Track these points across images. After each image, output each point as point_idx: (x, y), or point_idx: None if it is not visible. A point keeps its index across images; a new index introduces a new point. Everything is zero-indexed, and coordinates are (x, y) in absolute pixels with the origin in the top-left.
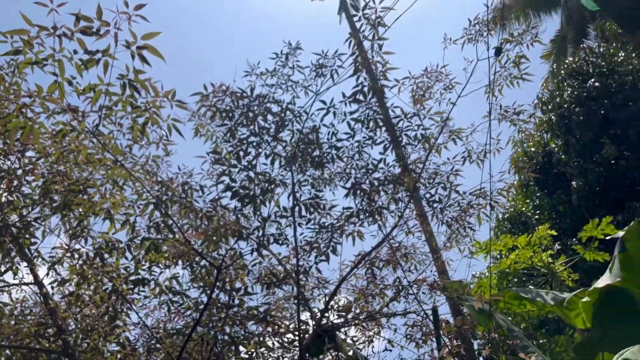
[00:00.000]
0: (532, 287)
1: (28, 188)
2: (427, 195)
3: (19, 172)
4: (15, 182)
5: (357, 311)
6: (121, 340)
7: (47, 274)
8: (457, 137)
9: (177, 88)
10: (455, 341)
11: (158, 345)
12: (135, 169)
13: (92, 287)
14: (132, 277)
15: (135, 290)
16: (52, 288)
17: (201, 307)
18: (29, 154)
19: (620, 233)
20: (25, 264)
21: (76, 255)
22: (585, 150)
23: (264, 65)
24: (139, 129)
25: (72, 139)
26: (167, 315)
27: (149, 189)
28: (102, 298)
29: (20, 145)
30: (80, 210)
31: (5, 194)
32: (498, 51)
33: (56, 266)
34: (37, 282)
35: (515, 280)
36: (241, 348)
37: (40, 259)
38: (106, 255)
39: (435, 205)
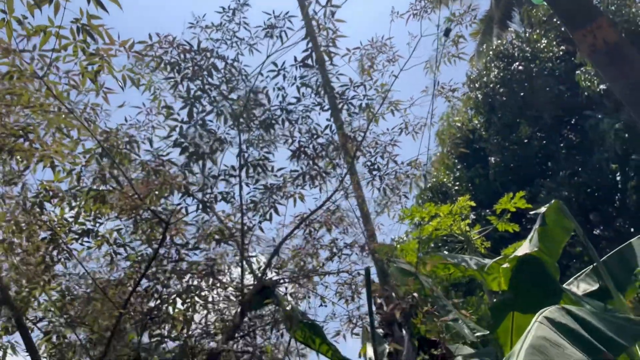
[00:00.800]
0: (446, 252)
1: None
2: (368, 163)
3: None
4: None
5: (295, 269)
6: (62, 289)
7: None
8: (396, 108)
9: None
10: (379, 299)
11: (98, 295)
12: (70, 116)
13: (25, 235)
14: (76, 228)
15: (80, 240)
16: None
17: (141, 259)
18: None
19: (543, 209)
20: None
21: (7, 201)
22: (505, 129)
23: (210, 19)
24: (90, 76)
25: (15, 82)
26: (109, 267)
27: (98, 139)
28: (38, 247)
29: None
30: (19, 157)
31: None
32: (447, 32)
33: None
34: None
35: (432, 245)
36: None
37: None
38: (47, 204)
39: (374, 172)
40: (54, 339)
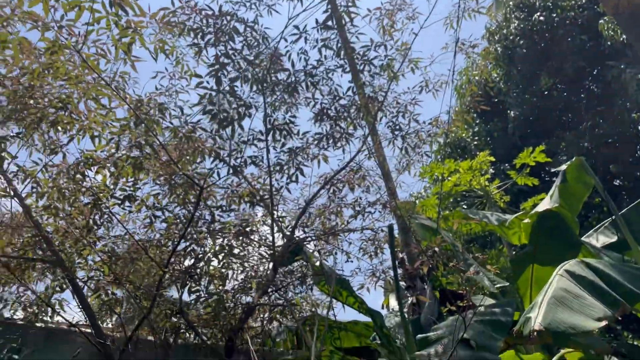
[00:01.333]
0: (465, 207)
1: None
2: (390, 123)
3: None
4: None
5: (321, 227)
6: (107, 250)
7: (24, 187)
8: (416, 66)
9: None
10: (401, 254)
11: (140, 255)
12: (105, 86)
13: (69, 201)
14: (118, 193)
15: (122, 205)
16: (31, 201)
17: (178, 221)
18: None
19: (563, 166)
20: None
21: (50, 170)
22: (524, 81)
23: None
24: (124, 48)
25: (55, 56)
26: (148, 229)
27: (131, 107)
28: (82, 211)
29: None
30: (59, 127)
31: None
32: None
33: (33, 181)
34: (17, 195)
35: (451, 201)
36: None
37: (20, 174)
38: (88, 172)
39: (396, 132)
40: (103, 295)
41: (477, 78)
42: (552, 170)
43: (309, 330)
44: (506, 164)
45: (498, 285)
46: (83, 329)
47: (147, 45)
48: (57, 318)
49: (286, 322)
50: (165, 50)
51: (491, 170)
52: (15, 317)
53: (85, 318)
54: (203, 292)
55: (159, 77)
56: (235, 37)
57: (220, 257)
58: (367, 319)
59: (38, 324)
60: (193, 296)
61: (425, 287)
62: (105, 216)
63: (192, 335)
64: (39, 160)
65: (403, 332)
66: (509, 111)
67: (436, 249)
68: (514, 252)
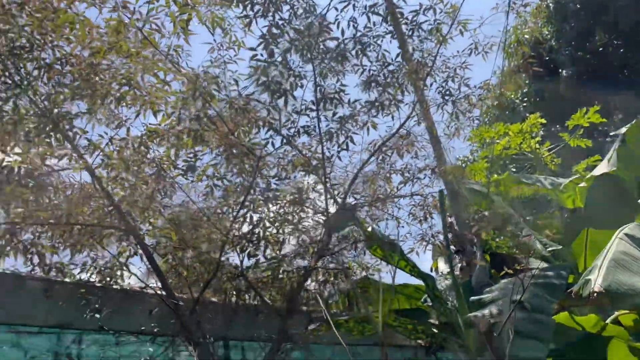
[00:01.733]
0: (514, 170)
1: (68, 80)
2: (439, 88)
3: (58, 64)
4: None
5: (371, 193)
6: (172, 217)
7: (93, 160)
8: (464, 28)
9: None
10: (450, 219)
11: (204, 222)
12: (164, 61)
13: (134, 172)
14: (181, 164)
15: (185, 176)
16: (100, 172)
17: (236, 190)
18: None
19: (623, 129)
20: (72, 151)
21: (116, 143)
22: (578, 38)
23: None
24: (182, 24)
25: (120, 35)
26: (209, 197)
27: (190, 81)
28: (146, 182)
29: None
30: (124, 103)
31: (46, 85)
32: None
33: (102, 154)
34: (88, 167)
35: (500, 164)
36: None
37: (90, 148)
38: (150, 144)
39: (446, 97)
40: (171, 260)
41: (526, 37)
42: (610, 135)
43: (362, 293)
44: (557, 126)
45: (550, 249)
46: (156, 291)
47: (203, 21)
48: (130, 281)
49: (339, 285)
50: (219, 24)
51: (541, 132)
52: (92, 280)
53: (156, 281)
54: (261, 256)
55: (209, 50)
56: (283, 6)
57: (276, 223)
58: (417, 282)
59: (114, 287)
60: (252, 260)
61: (475, 251)
62: (169, 186)
63: (250, 298)
64: (104, 134)
65: (454, 295)
66: (560, 70)
67: (485, 213)
68: (566, 216)
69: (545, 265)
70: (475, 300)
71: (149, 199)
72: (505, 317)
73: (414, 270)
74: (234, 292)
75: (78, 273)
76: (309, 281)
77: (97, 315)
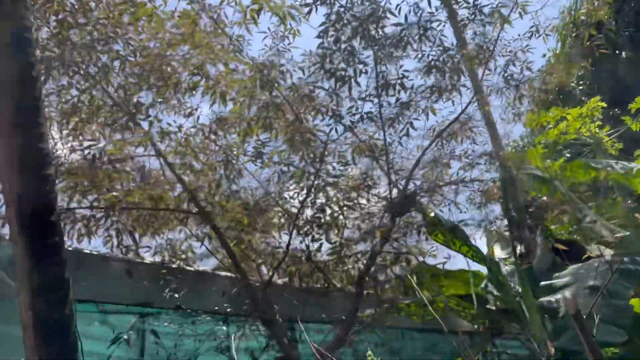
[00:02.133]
0: (568, 156)
1: (140, 71)
2: (502, 72)
3: (132, 56)
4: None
5: (433, 179)
6: (242, 202)
7: (166, 148)
8: (524, 11)
9: None
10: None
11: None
12: (233, 51)
13: (204, 159)
14: (250, 151)
15: (255, 162)
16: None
17: (302, 175)
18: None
19: None
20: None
21: (187, 131)
22: (638, 18)
23: None
24: (253, 14)
25: (192, 26)
26: (277, 183)
27: (258, 71)
28: (215, 168)
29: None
30: (194, 92)
31: (120, 77)
32: None
33: (175, 141)
34: (161, 154)
35: (558, 149)
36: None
37: (162, 136)
38: (220, 132)
39: (509, 82)
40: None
41: (583, 18)
42: None
43: (417, 278)
44: (615, 109)
45: (617, 235)
46: (228, 273)
47: (276, 12)
48: (203, 263)
49: (399, 269)
50: (289, 13)
51: (599, 115)
52: (169, 261)
53: (228, 264)
54: (326, 240)
55: (272, 38)
56: None
57: (341, 208)
58: (475, 268)
59: (189, 268)
60: (317, 244)
61: (535, 237)
62: (237, 172)
63: (313, 280)
64: (173, 122)
65: (517, 281)
66: (617, 52)
67: (544, 198)
68: (635, 201)
69: (610, 252)
70: (544, 286)
71: (218, 184)
72: (581, 302)
73: (477, 256)
74: (302, 275)
75: (153, 255)
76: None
77: (176, 295)
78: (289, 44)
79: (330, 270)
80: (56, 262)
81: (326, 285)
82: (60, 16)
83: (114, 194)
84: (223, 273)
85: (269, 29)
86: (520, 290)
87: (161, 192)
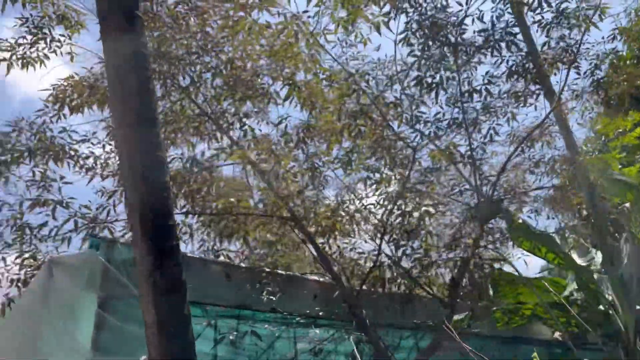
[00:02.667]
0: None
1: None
2: (586, 76)
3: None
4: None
5: (516, 184)
6: (330, 209)
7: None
8: (603, 14)
9: None
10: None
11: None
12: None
13: (286, 165)
14: (338, 157)
15: (343, 169)
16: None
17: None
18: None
19: None
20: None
21: (273, 139)
22: None
23: None
24: (345, 24)
25: (287, 39)
26: (364, 190)
27: (351, 80)
28: (302, 175)
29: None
30: (284, 102)
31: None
32: None
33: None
34: (250, 161)
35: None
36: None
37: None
38: (308, 140)
39: (595, 86)
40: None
41: None
42: None
43: (492, 284)
44: None
45: None
46: (317, 277)
47: (371, 21)
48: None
49: (479, 276)
50: (382, 22)
51: None
52: (264, 265)
53: (318, 268)
54: (411, 247)
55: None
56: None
57: (428, 214)
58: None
59: (281, 272)
60: (404, 250)
61: (618, 244)
62: (321, 179)
63: (399, 286)
64: (259, 130)
65: (610, 288)
66: None
67: (627, 204)
68: None
69: None
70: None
71: (304, 191)
72: None
73: (564, 263)
74: (392, 281)
75: (244, 259)
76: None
77: (272, 298)
78: (376, 49)
79: (416, 276)
80: (174, 263)
81: (409, 291)
82: (158, 31)
83: (230, 199)
84: (312, 277)
85: (338, 38)
86: (611, 298)
87: (248, 198)
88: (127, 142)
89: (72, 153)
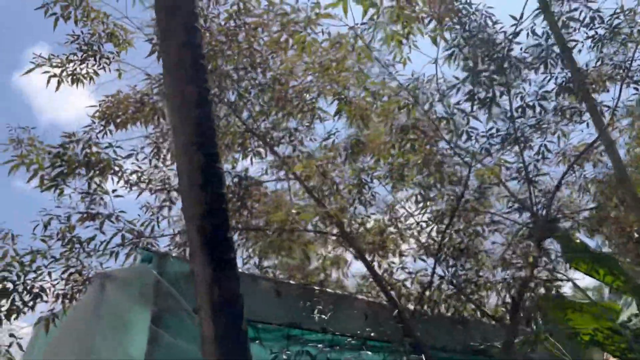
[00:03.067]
0: None
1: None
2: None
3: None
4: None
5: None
6: (379, 226)
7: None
8: None
9: None
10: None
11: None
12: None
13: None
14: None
15: (393, 185)
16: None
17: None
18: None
19: None
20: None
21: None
22: None
23: None
24: (399, 37)
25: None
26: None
27: (407, 94)
28: (349, 191)
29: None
30: (334, 117)
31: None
32: None
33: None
34: (297, 177)
35: None
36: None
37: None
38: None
39: None
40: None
41: None
42: None
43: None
44: None
45: None
46: (366, 297)
47: (429, 35)
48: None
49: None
50: (440, 36)
51: None
52: (313, 283)
53: (367, 287)
54: (464, 267)
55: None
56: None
57: (482, 233)
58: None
59: (331, 290)
60: (455, 270)
61: None
62: (369, 194)
63: (446, 308)
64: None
65: None
66: None
67: None
68: None
69: None
70: None
71: (353, 206)
72: None
73: (626, 286)
74: (445, 301)
75: (290, 276)
76: (503, 292)
77: (324, 317)
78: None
79: (471, 297)
80: (233, 277)
81: (461, 312)
82: (209, 46)
83: (281, 215)
84: (360, 296)
85: (376, 57)
86: None
87: (298, 212)
88: (186, 152)
89: (117, 169)
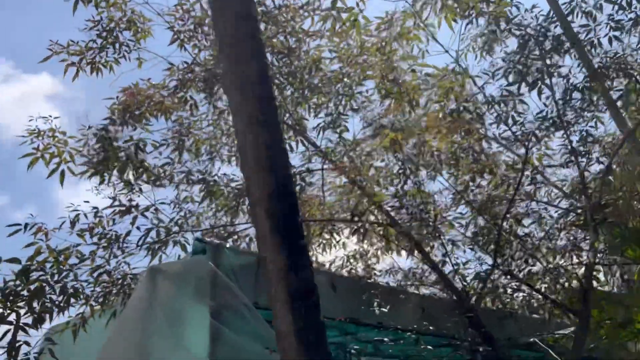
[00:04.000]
0: None
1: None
2: None
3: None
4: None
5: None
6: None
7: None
8: None
9: None
10: None
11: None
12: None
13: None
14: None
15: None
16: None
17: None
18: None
19: None
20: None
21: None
22: None
23: None
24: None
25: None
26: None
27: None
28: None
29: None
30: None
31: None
32: None
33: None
34: (337, 167)
35: None
36: None
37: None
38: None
39: None
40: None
41: None
42: None
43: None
44: None
45: None
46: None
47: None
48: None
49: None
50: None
51: None
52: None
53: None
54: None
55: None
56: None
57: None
58: None
59: (383, 283)
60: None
61: None
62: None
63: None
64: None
65: None
66: None
67: None
68: None
69: None
70: None
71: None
72: None
73: None
74: (505, 293)
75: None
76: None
77: (384, 310)
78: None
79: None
80: (307, 264)
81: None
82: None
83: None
84: (413, 291)
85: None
86: None
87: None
88: (251, 131)
89: (138, 164)
